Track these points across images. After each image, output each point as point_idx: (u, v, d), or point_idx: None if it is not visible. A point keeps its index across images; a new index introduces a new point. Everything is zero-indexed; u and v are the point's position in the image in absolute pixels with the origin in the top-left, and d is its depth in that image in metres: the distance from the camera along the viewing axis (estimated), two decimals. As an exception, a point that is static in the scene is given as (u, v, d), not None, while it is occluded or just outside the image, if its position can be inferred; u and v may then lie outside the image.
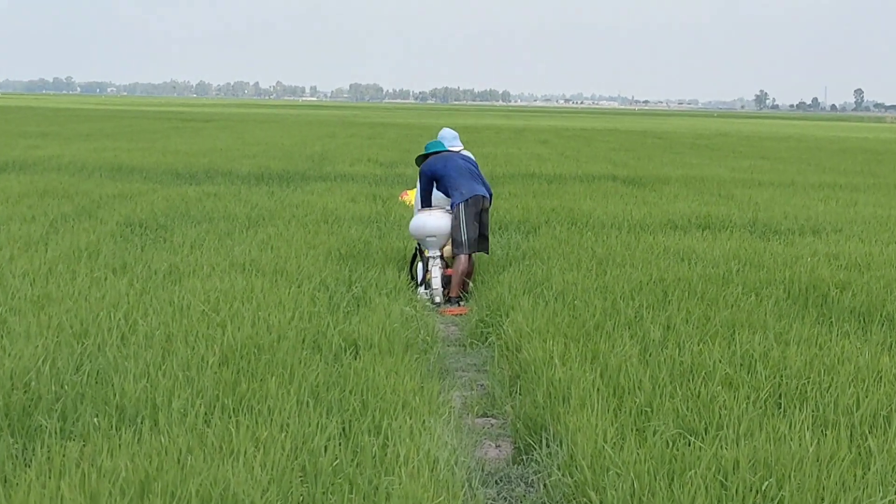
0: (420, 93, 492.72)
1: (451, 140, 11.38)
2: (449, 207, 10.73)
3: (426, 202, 11.02)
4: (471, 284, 10.43)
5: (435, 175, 10.80)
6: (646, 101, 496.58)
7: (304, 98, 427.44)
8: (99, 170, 21.92)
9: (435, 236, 10.55)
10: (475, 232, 10.53)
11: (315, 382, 6.21)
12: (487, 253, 10.93)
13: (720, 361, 6.85)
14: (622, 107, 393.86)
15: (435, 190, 10.99)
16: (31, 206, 14.84)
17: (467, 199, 10.51)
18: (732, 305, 8.76)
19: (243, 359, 6.61)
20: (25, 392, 5.77)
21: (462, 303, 10.24)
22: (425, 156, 11.03)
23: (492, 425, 6.43)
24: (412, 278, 10.62)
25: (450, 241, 10.63)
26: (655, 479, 4.83)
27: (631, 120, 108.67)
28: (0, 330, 7.12)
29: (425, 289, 10.45)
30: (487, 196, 10.78)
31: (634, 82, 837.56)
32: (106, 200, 15.88)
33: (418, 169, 11.31)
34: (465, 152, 11.36)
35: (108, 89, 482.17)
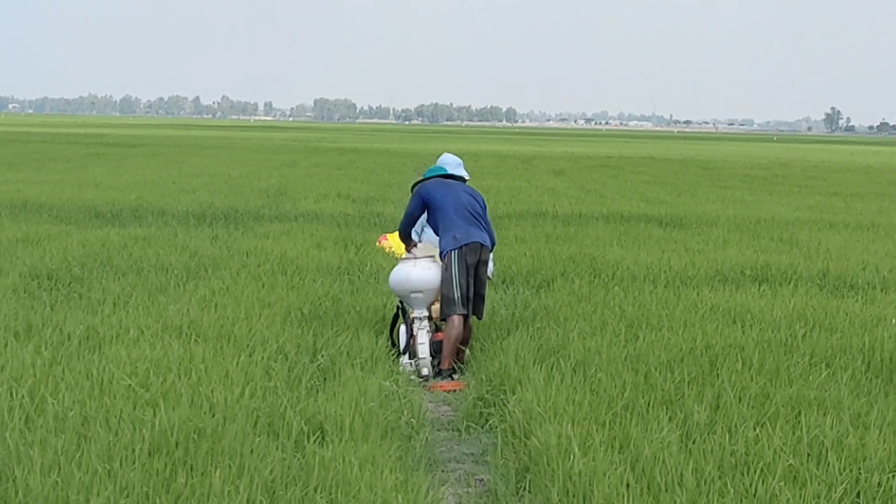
0: (403, 111, 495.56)
1: (453, 167, 11.40)
2: (438, 255, 10.74)
3: (408, 228, 10.97)
4: (467, 352, 10.45)
5: (429, 201, 10.77)
6: (687, 122, 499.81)
7: (256, 117, 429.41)
8: (-3, 207, 21.94)
9: (421, 292, 10.56)
10: (469, 288, 10.53)
11: (270, 476, 6.20)
12: (480, 317, 10.92)
13: (782, 450, 6.87)
14: (658, 128, 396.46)
15: (428, 228, 10.97)
16: (-88, 252, 14.84)
17: (461, 247, 10.52)
18: (797, 379, 8.80)
19: (179, 446, 6.61)
20: None
21: (456, 376, 10.26)
22: (424, 181, 11.01)
23: (494, 531, 6.43)
24: (393, 345, 10.64)
25: (439, 298, 10.64)
26: None
27: (669, 145, 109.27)
28: None
29: (410, 358, 10.47)
30: (487, 245, 10.80)
31: (673, 98, 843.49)
32: (6, 246, 15.89)
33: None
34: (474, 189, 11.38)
35: (10, 105, 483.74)
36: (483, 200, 11.13)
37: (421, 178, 11.11)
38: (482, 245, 10.67)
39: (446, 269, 10.51)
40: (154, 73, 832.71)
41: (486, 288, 11.03)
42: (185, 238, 17.45)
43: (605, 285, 13.52)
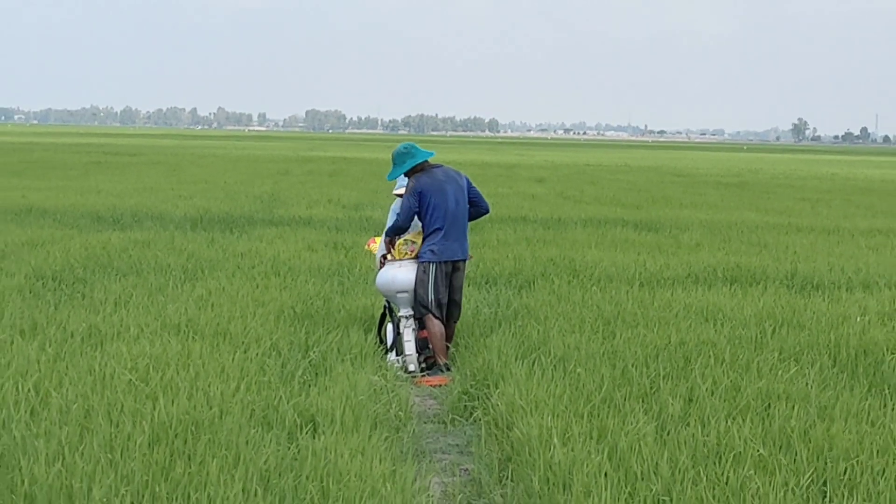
0: (390, 121, 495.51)
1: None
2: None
3: (402, 229, 10.64)
4: (451, 349, 10.45)
5: (423, 201, 10.46)
6: (661, 132, 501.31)
7: (251, 127, 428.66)
8: (3, 213, 21.92)
9: (406, 292, 10.55)
10: (444, 296, 10.47)
11: (265, 466, 6.21)
12: (455, 321, 10.77)
13: (752, 440, 6.89)
14: (633, 138, 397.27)
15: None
16: (-79, 255, 14.81)
17: (441, 262, 10.46)
18: (767, 374, 8.82)
19: (178, 437, 6.61)
20: (-87, 478, 5.75)
21: (442, 371, 10.25)
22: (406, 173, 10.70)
23: (478, 518, 6.43)
24: (381, 342, 10.64)
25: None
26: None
27: (644, 154, 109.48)
28: None
29: (397, 355, 10.47)
30: (466, 259, 10.69)
31: (648, 109, 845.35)
32: (12, 249, 15.86)
33: (390, 207, 11.16)
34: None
35: (16, 116, 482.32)
36: (467, 182, 10.79)
37: (402, 167, 10.74)
38: (463, 262, 10.66)
39: (424, 273, 10.43)
40: (153, 85, 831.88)
41: (462, 293, 10.83)
42: (182, 241, 17.44)
43: (583, 285, 13.54)
